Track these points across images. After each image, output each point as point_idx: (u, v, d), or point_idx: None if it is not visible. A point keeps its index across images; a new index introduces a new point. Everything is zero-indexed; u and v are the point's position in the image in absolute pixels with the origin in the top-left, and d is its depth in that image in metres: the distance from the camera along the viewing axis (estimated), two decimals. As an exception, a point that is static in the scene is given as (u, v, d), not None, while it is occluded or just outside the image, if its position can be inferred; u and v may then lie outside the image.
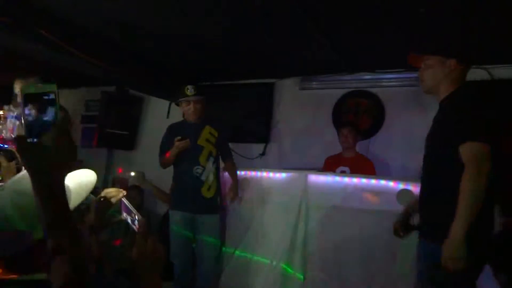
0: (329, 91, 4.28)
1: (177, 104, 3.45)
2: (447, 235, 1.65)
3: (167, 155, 3.09)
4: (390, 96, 4.08)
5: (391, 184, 2.73)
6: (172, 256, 3.03)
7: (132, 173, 4.24)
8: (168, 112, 4.82)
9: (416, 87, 3.90)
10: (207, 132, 3.19)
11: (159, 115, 4.84)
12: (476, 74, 3.63)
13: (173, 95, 4.75)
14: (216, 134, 3.23)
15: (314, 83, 4.33)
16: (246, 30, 3.25)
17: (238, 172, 3.33)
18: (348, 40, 3.32)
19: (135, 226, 1.05)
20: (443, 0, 2.53)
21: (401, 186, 2.70)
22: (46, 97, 0.80)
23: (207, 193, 3.11)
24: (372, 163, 3.63)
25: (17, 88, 2.92)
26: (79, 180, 1.04)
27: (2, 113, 5.58)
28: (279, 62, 4.02)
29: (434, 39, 1.96)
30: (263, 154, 4.36)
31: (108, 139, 4.83)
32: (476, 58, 2.25)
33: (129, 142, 5.00)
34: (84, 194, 1.03)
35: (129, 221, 1.10)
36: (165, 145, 3.20)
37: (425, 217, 1.89)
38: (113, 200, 1.23)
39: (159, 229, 3.99)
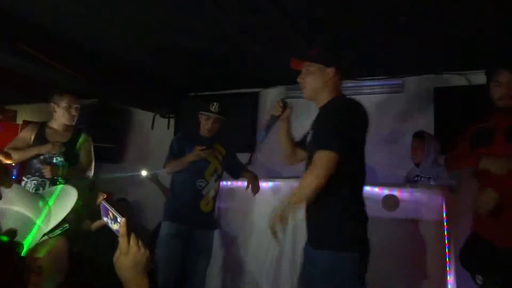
0: (314, 99, 4.32)
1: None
2: (326, 242, 1.79)
3: (184, 159, 3.01)
4: (372, 103, 4.13)
5: (376, 190, 2.76)
6: (160, 269, 2.98)
7: (144, 172, 4.14)
8: (153, 124, 4.79)
9: (398, 93, 3.99)
10: (216, 149, 3.19)
11: (144, 127, 4.82)
12: (453, 79, 3.74)
13: (157, 107, 4.75)
14: (223, 152, 3.22)
15: (298, 91, 4.32)
16: (230, 41, 3.27)
17: (224, 183, 3.32)
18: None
19: (118, 232, 1.02)
20: (422, 8, 2.60)
21: (386, 192, 2.73)
22: None
23: (205, 208, 3.07)
24: None
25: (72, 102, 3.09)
26: (60, 198, 1.01)
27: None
28: (263, 71, 4.04)
29: (315, 47, 2.05)
30: (248, 163, 4.36)
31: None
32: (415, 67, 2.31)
33: (114, 155, 4.95)
34: (64, 212, 1.00)
35: (112, 227, 1.06)
36: (176, 150, 3.13)
37: (307, 223, 1.94)
38: (94, 204, 1.18)
39: (149, 243, 3.93)
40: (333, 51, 2.11)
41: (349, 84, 4.19)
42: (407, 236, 2.63)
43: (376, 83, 4.09)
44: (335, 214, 1.83)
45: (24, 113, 5.84)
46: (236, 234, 3.39)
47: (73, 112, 3.04)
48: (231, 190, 3.39)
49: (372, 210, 2.73)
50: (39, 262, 0.93)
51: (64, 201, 1.02)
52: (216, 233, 3.29)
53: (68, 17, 2.98)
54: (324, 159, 1.72)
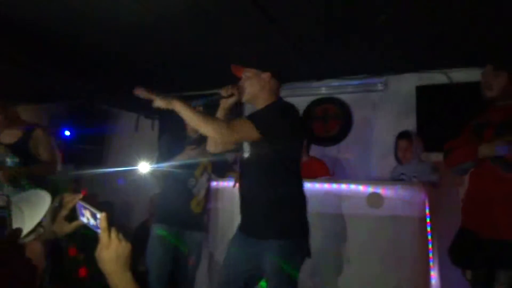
0: (297, 99, 4.32)
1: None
2: (269, 233, 1.93)
3: (176, 159, 2.99)
4: (357, 101, 4.18)
5: (360, 188, 2.79)
6: (150, 271, 2.95)
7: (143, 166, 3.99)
8: (137, 126, 4.75)
9: (380, 92, 4.04)
10: (205, 148, 3.16)
11: (127, 129, 4.76)
12: (435, 77, 3.80)
13: (141, 107, 4.70)
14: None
15: (283, 91, 4.36)
16: (215, 40, 3.26)
17: (215, 183, 3.33)
18: (314, 48, 3.39)
19: (98, 229, 1.01)
20: (402, 6, 2.63)
21: (370, 189, 2.76)
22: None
23: (196, 208, 3.05)
24: (324, 164, 3.69)
25: None
26: (33, 203, 1.00)
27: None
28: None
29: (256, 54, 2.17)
30: (235, 163, 4.35)
31: (74, 155, 4.70)
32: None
33: (97, 158, 4.89)
34: (38, 217, 0.99)
35: (90, 224, 1.05)
36: (165, 150, 3.08)
37: (251, 215, 2.05)
38: (69, 205, 1.15)
39: (133, 242, 3.88)
40: (268, 57, 2.25)
41: (332, 83, 4.23)
42: (392, 233, 2.66)
43: (358, 82, 4.13)
44: (287, 205, 1.97)
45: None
46: (224, 234, 3.38)
47: None
48: (217, 190, 3.38)
49: (357, 207, 2.78)
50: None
51: (37, 206, 1.01)
52: (205, 234, 3.28)
53: (52, 18, 2.92)
54: (244, 124, 1.86)
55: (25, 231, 0.95)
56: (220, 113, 2.17)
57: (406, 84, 3.91)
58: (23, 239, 0.94)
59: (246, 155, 2.09)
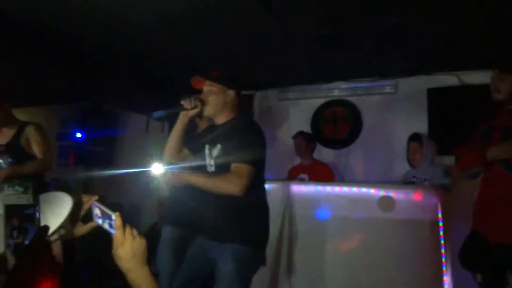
0: (307, 101, 4.34)
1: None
2: (231, 237, 1.98)
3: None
4: (366, 104, 4.16)
5: (372, 191, 2.76)
6: (161, 276, 2.94)
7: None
8: (147, 128, 4.77)
9: (391, 95, 4.01)
10: None
11: (137, 131, 4.79)
12: (446, 80, 3.76)
13: (151, 110, 4.71)
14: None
15: (292, 93, 4.38)
16: (224, 43, 3.26)
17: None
18: (323, 51, 3.38)
19: (113, 230, 1.03)
20: (414, 9, 2.61)
21: (382, 193, 2.73)
22: (26, 211, 0.76)
23: None
24: (328, 167, 3.71)
25: None
26: (54, 205, 1.01)
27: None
28: (256, 74, 4.04)
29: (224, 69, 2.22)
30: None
31: (85, 157, 4.73)
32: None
33: (107, 159, 4.92)
34: (61, 219, 1.00)
35: (106, 226, 1.07)
36: None
37: (214, 219, 2.10)
38: (86, 206, 1.16)
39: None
40: (234, 75, 2.26)
41: (342, 86, 4.22)
42: (403, 237, 2.63)
43: (369, 84, 4.11)
44: (251, 213, 2.03)
45: (18, 117, 5.78)
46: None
47: None
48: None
49: (368, 211, 2.76)
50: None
51: (59, 207, 1.02)
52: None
53: (62, 21, 2.95)
54: (244, 171, 1.91)
55: (50, 230, 0.96)
56: (178, 126, 2.20)
57: (417, 86, 3.89)
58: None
59: (211, 169, 2.13)
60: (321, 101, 4.32)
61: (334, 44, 3.21)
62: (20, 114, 5.81)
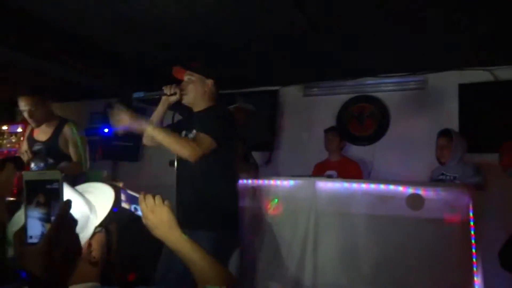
0: (333, 97, 4.28)
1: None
2: (201, 224, 2.05)
3: None
4: (394, 100, 4.07)
5: (400, 189, 2.70)
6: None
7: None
8: (173, 121, 4.80)
9: (420, 90, 3.91)
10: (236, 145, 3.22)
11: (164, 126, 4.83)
12: (479, 75, 3.64)
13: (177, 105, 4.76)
14: (242, 148, 3.25)
15: (317, 89, 4.33)
16: (249, 38, 3.25)
17: (244, 181, 3.31)
18: (350, 45, 3.32)
19: (138, 211, 1.06)
20: (445, 3, 2.53)
21: (410, 191, 2.66)
22: (49, 186, 0.73)
23: None
24: (357, 165, 3.66)
25: (22, 105, 2.88)
26: (99, 196, 1.02)
27: (6, 128, 5.60)
28: (282, 69, 4.02)
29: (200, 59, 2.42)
30: (268, 161, 4.34)
31: (112, 151, 4.82)
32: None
33: (133, 154, 5.00)
34: (107, 210, 1.02)
35: (132, 208, 1.10)
36: None
37: (187, 206, 2.18)
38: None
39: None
40: (212, 66, 2.38)
41: (369, 81, 4.14)
42: (433, 236, 2.57)
43: (397, 80, 4.02)
44: (218, 198, 2.13)
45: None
46: (254, 232, 3.36)
47: (26, 115, 2.85)
48: (253, 188, 3.37)
49: (396, 209, 2.70)
50: (95, 254, 0.97)
51: (104, 198, 1.03)
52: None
53: (89, 18, 3.00)
54: (205, 140, 2.04)
55: (99, 220, 0.98)
56: (159, 109, 2.32)
57: (448, 82, 3.77)
58: (95, 230, 0.97)
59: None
60: (347, 97, 4.25)
61: (361, 38, 3.15)
62: (55, 110, 6.00)
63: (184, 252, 1.09)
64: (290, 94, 4.46)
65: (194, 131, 2.17)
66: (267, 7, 2.68)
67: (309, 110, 4.35)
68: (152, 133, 2.06)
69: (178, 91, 2.23)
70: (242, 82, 4.44)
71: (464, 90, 3.69)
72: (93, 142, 5.22)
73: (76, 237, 0.73)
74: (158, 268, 2.23)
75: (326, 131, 3.79)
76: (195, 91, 2.24)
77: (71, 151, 2.93)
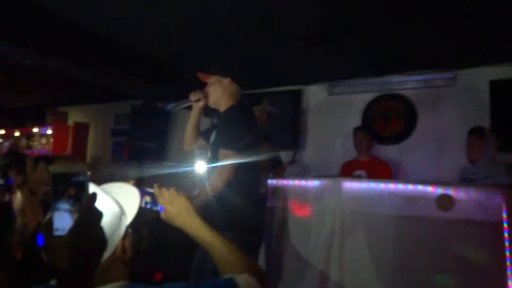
0: (358, 96, 4.21)
1: None
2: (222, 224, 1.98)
3: None
4: (421, 98, 3.97)
5: (429, 189, 2.63)
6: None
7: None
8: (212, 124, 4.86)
9: (449, 87, 3.80)
10: (263, 145, 3.22)
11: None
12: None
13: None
14: (269, 149, 3.26)
15: (342, 88, 4.28)
16: (273, 38, 3.24)
17: (269, 181, 3.30)
18: (375, 43, 3.26)
19: (154, 206, 1.13)
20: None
21: (440, 191, 2.59)
22: (75, 179, 0.73)
23: None
24: (388, 165, 3.57)
25: None
26: (126, 196, 1.03)
27: (37, 130, 5.77)
28: (306, 68, 3.98)
29: (217, 61, 2.43)
30: (293, 161, 4.32)
31: (138, 152, 4.90)
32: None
33: (158, 154, 5.06)
34: (135, 210, 1.02)
35: (149, 206, 1.13)
36: None
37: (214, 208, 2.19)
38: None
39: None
40: (228, 64, 2.41)
41: (394, 79, 4.05)
42: (463, 238, 2.49)
43: (423, 77, 3.92)
44: (237, 200, 2.16)
45: (75, 114, 6.11)
46: (279, 232, 3.35)
47: None
48: (277, 189, 3.36)
49: (425, 209, 2.63)
50: (127, 254, 0.98)
51: (131, 199, 1.04)
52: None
53: (115, 21, 3.05)
54: (229, 156, 2.11)
55: (129, 219, 1.00)
56: (192, 117, 2.42)
57: (478, 78, 3.65)
58: (126, 230, 0.98)
59: (208, 155, 2.33)
60: (372, 95, 4.18)
61: (385, 34, 3.09)
62: (78, 112, 6.16)
63: (205, 239, 1.11)
64: (314, 93, 4.42)
65: (215, 132, 2.31)
66: (290, 5, 2.67)
67: (334, 109, 4.30)
68: (200, 201, 2.13)
69: (202, 96, 2.31)
70: (266, 82, 4.43)
71: (496, 86, 3.56)
72: (119, 144, 5.35)
73: (101, 230, 0.74)
74: (193, 265, 2.28)
75: (356, 130, 3.73)
76: (215, 93, 2.31)
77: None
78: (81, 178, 0.73)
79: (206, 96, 2.32)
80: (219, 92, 2.30)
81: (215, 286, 0.94)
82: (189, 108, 2.42)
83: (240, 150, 2.13)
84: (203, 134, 2.49)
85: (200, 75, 2.37)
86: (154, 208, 1.15)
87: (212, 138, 2.34)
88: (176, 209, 1.14)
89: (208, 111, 5.00)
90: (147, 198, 1.17)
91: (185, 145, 2.51)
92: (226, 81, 2.30)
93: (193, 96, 2.34)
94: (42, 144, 5.84)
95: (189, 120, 2.43)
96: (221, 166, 2.11)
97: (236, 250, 1.09)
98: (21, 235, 1.26)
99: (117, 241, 0.93)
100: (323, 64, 3.82)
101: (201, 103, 2.34)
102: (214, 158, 2.23)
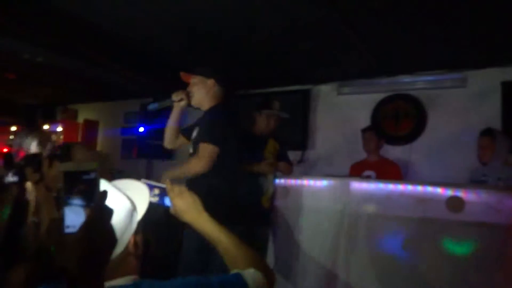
0: (367, 96, 4.19)
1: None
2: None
3: (249, 168, 3.09)
4: (431, 98, 3.94)
5: (439, 190, 2.61)
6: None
7: None
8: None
9: (460, 88, 3.76)
10: (271, 146, 3.22)
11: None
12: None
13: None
14: (278, 148, 3.25)
15: (351, 88, 4.26)
16: (281, 37, 3.23)
17: (277, 180, 3.30)
18: (384, 42, 3.24)
19: (163, 199, 1.17)
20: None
21: (449, 192, 2.57)
22: (86, 177, 0.74)
23: (266, 204, 3.11)
24: (397, 166, 3.55)
25: None
26: (137, 192, 1.03)
27: (47, 127, 5.82)
28: (315, 68, 3.97)
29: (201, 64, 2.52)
30: (301, 161, 4.31)
31: (147, 150, 4.92)
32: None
33: (167, 152, 5.07)
34: (145, 206, 1.03)
35: (157, 200, 1.16)
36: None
37: None
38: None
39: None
40: (213, 66, 2.48)
41: (405, 79, 4.02)
42: (474, 240, 2.46)
43: (433, 77, 3.89)
44: (218, 194, 2.20)
45: (84, 112, 6.16)
46: (290, 231, 3.35)
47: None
48: (285, 188, 3.35)
49: (434, 211, 2.61)
50: (139, 249, 1.00)
51: (140, 193, 1.05)
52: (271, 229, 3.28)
53: (125, 20, 3.07)
54: (207, 150, 2.19)
55: (140, 215, 1.01)
56: (173, 115, 2.47)
57: (489, 79, 3.61)
58: (138, 226, 0.99)
59: (190, 150, 2.42)
60: (382, 95, 4.15)
61: (395, 34, 3.06)
62: (88, 110, 6.20)
63: (212, 234, 1.14)
64: (323, 92, 4.40)
65: (197, 128, 2.38)
66: (299, 3, 2.66)
67: (343, 109, 4.28)
68: (172, 176, 2.22)
69: (184, 96, 2.39)
70: (275, 81, 4.43)
71: (507, 87, 3.52)
72: (128, 141, 5.37)
73: (111, 227, 0.74)
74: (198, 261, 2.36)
75: (364, 130, 3.71)
76: (198, 93, 2.38)
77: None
78: (92, 176, 0.74)
79: (188, 96, 2.39)
80: (203, 92, 2.38)
81: (224, 280, 0.95)
82: (171, 107, 2.48)
83: (219, 144, 2.20)
84: (185, 131, 2.55)
85: (183, 75, 2.45)
86: (162, 203, 1.18)
87: (194, 134, 2.40)
88: (185, 204, 1.17)
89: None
90: (156, 191, 1.23)
91: (166, 143, 2.57)
92: (210, 82, 2.38)
93: (175, 96, 2.41)
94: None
95: (170, 118, 2.49)
96: (204, 147, 2.20)
97: (243, 245, 1.12)
98: (35, 230, 1.28)
99: (129, 236, 0.94)
100: (332, 64, 3.80)
101: (183, 103, 2.41)
102: (195, 152, 2.31)
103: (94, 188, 0.74)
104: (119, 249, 0.88)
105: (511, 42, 3.08)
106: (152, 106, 2.51)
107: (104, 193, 0.74)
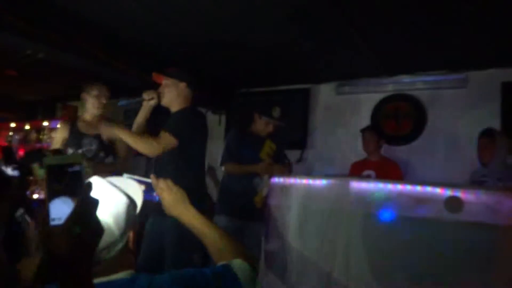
0: (367, 96, 4.18)
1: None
2: None
3: (249, 168, 3.10)
4: (431, 99, 3.94)
5: (438, 190, 2.60)
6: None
7: None
8: (220, 121, 4.87)
9: (460, 89, 3.76)
10: (268, 146, 3.23)
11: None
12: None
13: (209, 103, 4.81)
14: (274, 148, 3.26)
15: (351, 87, 4.25)
16: (281, 36, 3.22)
17: (276, 179, 3.29)
18: (385, 42, 3.23)
19: (151, 196, 1.19)
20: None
21: (448, 193, 2.56)
22: (70, 169, 0.73)
23: (258, 204, 3.12)
24: (398, 165, 3.55)
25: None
26: (131, 190, 1.04)
27: (47, 124, 5.82)
28: (315, 67, 3.96)
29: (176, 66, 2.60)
30: (300, 160, 4.30)
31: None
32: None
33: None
34: (139, 203, 1.04)
35: (145, 195, 1.17)
36: (233, 150, 3.21)
37: None
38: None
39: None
40: (186, 70, 2.57)
41: (405, 79, 4.01)
42: (473, 241, 2.45)
43: (434, 78, 3.88)
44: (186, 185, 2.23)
45: (84, 109, 6.13)
46: (287, 230, 3.34)
47: (103, 100, 3.09)
48: (283, 187, 3.35)
49: (433, 211, 2.60)
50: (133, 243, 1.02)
51: (134, 189, 1.05)
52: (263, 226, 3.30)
53: (123, 15, 3.06)
54: (164, 137, 2.27)
55: (135, 212, 1.01)
56: (141, 113, 2.54)
57: (490, 80, 3.61)
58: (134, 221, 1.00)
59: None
60: (382, 95, 4.14)
61: (396, 34, 3.06)
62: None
63: (198, 228, 1.16)
64: (323, 92, 4.40)
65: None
66: (301, 2, 2.65)
67: (342, 109, 4.28)
68: (118, 134, 2.31)
69: (155, 95, 2.45)
70: (275, 79, 4.42)
71: (508, 88, 3.52)
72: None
73: (97, 218, 0.74)
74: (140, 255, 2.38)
75: (363, 130, 3.70)
76: (170, 94, 2.46)
77: (118, 147, 3.07)
78: (76, 168, 0.73)
79: (159, 96, 2.46)
80: (174, 94, 2.45)
81: (215, 272, 0.98)
82: (140, 105, 2.54)
83: (179, 136, 2.26)
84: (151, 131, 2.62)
85: (155, 75, 2.52)
86: (151, 198, 1.20)
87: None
88: (172, 199, 1.19)
89: (216, 108, 5.02)
90: (142, 186, 1.22)
91: (104, 136, 2.64)
92: (182, 85, 2.45)
93: (146, 95, 2.47)
94: (52, 137, 5.87)
95: (138, 116, 2.56)
96: (163, 134, 2.27)
97: (229, 237, 1.14)
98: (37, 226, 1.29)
99: (129, 231, 0.95)
100: (333, 63, 3.79)
101: (153, 102, 2.47)
102: (162, 154, 2.35)
103: (79, 181, 0.73)
104: (120, 244, 0.89)
105: (510, 44, 3.07)
106: (122, 103, 2.56)
107: (89, 184, 0.73)
